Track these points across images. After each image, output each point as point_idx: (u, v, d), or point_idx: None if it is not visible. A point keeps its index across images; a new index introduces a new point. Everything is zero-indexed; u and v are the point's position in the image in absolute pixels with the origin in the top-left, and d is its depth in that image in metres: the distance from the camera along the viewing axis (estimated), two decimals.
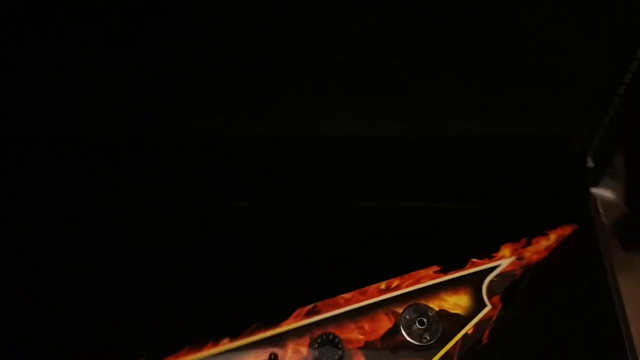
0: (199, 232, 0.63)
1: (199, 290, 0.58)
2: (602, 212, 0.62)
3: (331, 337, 0.52)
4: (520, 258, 0.56)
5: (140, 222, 0.64)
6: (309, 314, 0.54)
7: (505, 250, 0.56)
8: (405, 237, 0.62)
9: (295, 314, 0.54)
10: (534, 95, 0.57)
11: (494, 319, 0.53)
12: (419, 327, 0.52)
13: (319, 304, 0.54)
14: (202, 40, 0.54)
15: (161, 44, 0.54)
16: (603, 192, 0.71)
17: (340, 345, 0.51)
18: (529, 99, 0.57)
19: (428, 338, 0.52)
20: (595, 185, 0.64)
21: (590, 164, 0.63)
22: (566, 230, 0.58)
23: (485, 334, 0.53)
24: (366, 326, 0.53)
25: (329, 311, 0.54)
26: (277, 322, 0.53)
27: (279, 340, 0.52)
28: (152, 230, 0.63)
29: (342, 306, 0.54)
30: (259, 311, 0.53)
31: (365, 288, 0.55)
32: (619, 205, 0.75)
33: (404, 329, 0.52)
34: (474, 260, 0.56)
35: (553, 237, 0.58)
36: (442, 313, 0.53)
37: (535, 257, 0.56)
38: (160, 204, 0.64)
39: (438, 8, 0.51)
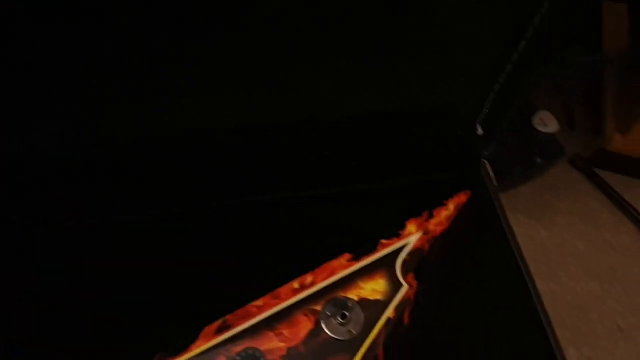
0: (70, 257, 0.53)
1: (88, 326, 0.50)
2: (493, 175, 0.65)
3: (250, 352, 0.47)
4: (426, 232, 0.56)
5: None
6: (219, 331, 0.48)
7: (411, 227, 0.56)
8: (309, 228, 0.59)
9: (203, 333, 0.48)
10: (422, 68, 0.57)
11: (412, 298, 0.53)
12: (342, 321, 0.50)
13: (229, 317, 0.49)
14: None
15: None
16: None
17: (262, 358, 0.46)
18: (417, 73, 0.57)
19: (353, 331, 0.49)
20: (486, 151, 0.66)
21: (479, 131, 0.65)
22: (462, 198, 0.59)
23: (406, 315, 0.52)
24: (285, 332, 0.49)
25: (241, 323, 0.49)
26: (184, 348, 0.47)
27: None
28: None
29: (256, 315, 0.49)
30: (160, 339, 0.47)
31: (277, 291, 0.51)
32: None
33: (326, 327, 0.50)
34: (383, 241, 0.55)
35: (451, 206, 0.58)
36: (362, 302, 0.51)
37: (438, 229, 0.57)
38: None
39: None
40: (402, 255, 0.54)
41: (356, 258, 0.54)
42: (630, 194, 1.38)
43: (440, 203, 0.58)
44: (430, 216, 0.57)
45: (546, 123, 1.25)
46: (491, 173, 0.66)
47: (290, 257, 0.55)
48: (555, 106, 1.46)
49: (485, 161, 0.67)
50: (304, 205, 0.61)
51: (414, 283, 0.53)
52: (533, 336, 0.55)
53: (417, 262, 0.54)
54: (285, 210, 0.60)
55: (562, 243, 1.30)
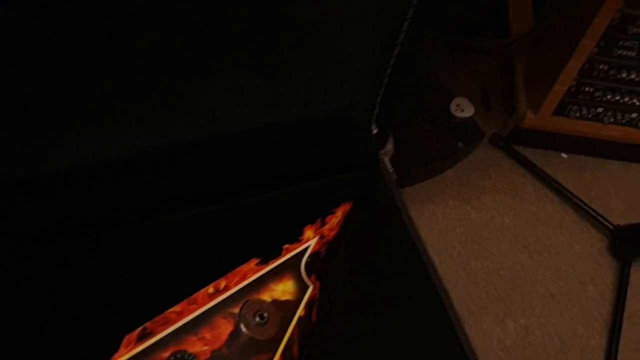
0: None
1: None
2: (392, 170, 0.75)
3: (180, 355, 0.50)
4: (322, 237, 0.63)
5: None
6: (141, 339, 0.51)
7: (309, 232, 0.63)
8: (218, 239, 0.64)
9: (124, 342, 0.50)
10: (316, 79, 0.65)
11: (317, 297, 0.59)
12: (260, 321, 0.55)
13: (148, 324, 0.52)
14: None
15: None
16: None
17: None
18: (312, 84, 0.65)
19: (270, 331, 0.55)
20: (382, 148, 0.76)
21: (375, 130, 0.74)
22: (347, 207, 0.66)
23: (313, 313, 0.59)
24: (208, 335, 0.53)
25: (162, 330, 0.52)
26: (107, 358, 0.49)
27: None
28: None
29: (176, 321, 0.53)
30: (80, 350, 0.51)
31: (193, 296, 0.55)
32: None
33: (246, 328, 0.54)
34: (287, 246, 0.61)
35: (339, 213, 0.66)
36: (276, 302, 0.57)
37: (332, 234, 0.64)
38: None
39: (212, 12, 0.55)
40: (305, 258, 0.60)
41: (264, 262, 0.59)
42: (551, 167, 1.53)
43: (330, 211, 0.65)
44: (324, 222, 0.64)
45: (463, 108, 1.34)
46: (390, 168, 0.76)
47: (202, 265, 0.59)
48: (472, 91, 1.57)
49: (384, 158, 0.77)
50: (212, 217, 0.66)
51: (317, 283, 0.60)
52: (436, 317, 0.65)
53: (318, 264, 0.61)
54: (194, 224, 0.65)
55: (491, 220, 1.41)
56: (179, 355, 0.51)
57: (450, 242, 1.39)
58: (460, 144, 1.38)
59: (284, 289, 0.58)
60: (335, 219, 0.65)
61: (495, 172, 1.53)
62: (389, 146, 1.08)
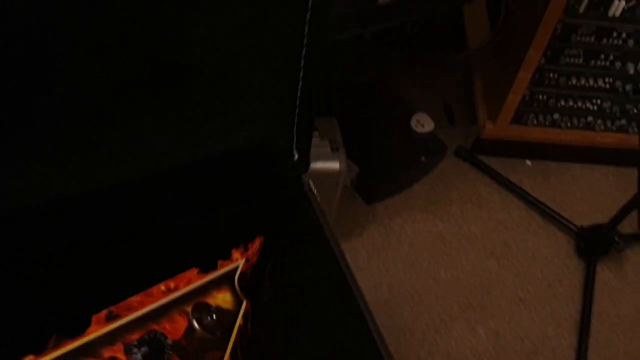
0: None
1: None
2: (316, 192, 0.93)
3: (152, 335, 0.67)
4: (247, 260, 0.82)
5: None
6: (109, 320, 0.66)
7: (236, 254, 0.81)
8: (162, 255, 0.81)
9: (94, 321, 0.65)
10: (232, 116, 0.80)
11: (249, 311, 0.77)
12: (210, 320, 0.72)
13: (113, 308, 0.67)
14: None
15: None
16: (331, 165, 1.09)
17: (167, 341, 0.68)
18: (228, 120, 0.80)
19: (218, 332, 0.72)
20: (305, 172, 0.94)
21: (296, 157, 0.90)
22: (262, 238, 0.84)
23: (249, 325, 0.76)
24: (168, 327, 0.69)
25: (128, 314, 0.67)
26: (81, 331, 0.64)
27: (92, 350, 0.64)
28: None
29: (138, 308, 0.69)
30: (50, 322, 0.65)
31: (149, 290, 0.71)
32: (350, 168, 1.10)
33: (199, 326, 0.71)
34: (221, 262, 0.79)
35: (257, 242, 0.85)
36: (219, 309, 0.74)
37: (254, 258, 0.82)
38: None
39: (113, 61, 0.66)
40: (237, 275, 0.78)
41: (203, 272, 0.76)
42: (516, 174, 1.74)
43: (252, 239, 0.83)
44: (246, 247, 0.82)
45: (423, 124, 1.56)
46: (314, 190, 0.95)
47: (149, 271, 0.74)
48: (435, 105, 1.79)
49: (308, 181, 0.95)
50: (157, 238, 0.84)
51: (247, 300, 0.77)
52: (360, 337, 0.81)
53: (245, 283, 0.79)
54: (141, 243, 0.83)
55: (459, 231, 1.61)
56: (152, 335, 0.68)
57: (420, 255, 1.61)
58: (423, 159, 1.58)
59: (224, 299, 0.76)
60: (255, 247, 0.83)
61: (461, 183, 1.73)
62: (343, 166, 1.26)
